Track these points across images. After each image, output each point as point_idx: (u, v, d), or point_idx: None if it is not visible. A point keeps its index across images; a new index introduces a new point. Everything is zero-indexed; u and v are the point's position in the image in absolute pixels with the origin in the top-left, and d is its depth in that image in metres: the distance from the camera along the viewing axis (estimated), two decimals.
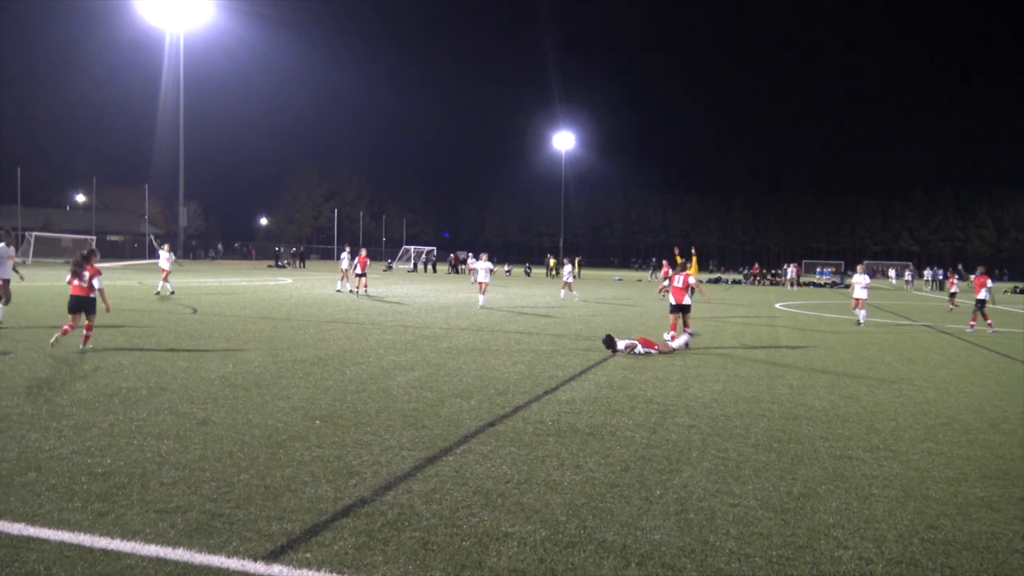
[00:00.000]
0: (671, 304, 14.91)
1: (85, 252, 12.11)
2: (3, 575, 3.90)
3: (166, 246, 26.52)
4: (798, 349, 14.82)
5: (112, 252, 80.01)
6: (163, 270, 25.32)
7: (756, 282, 60.54)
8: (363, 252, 28.77)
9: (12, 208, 73.07)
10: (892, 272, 69.38)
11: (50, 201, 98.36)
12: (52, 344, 11.51)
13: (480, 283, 24.45)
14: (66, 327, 11.52)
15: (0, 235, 15.60)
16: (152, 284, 30.11)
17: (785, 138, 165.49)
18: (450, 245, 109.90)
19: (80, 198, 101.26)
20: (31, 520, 4.61)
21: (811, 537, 4.77)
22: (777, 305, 29.98)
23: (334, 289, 31.31)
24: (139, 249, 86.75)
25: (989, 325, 19.97)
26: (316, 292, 29.49)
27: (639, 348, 13.10)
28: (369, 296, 27.28)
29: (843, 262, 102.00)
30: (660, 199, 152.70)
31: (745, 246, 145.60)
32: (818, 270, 53.30)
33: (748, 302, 31.78)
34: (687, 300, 14.73)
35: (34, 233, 62.19)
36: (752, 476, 6.01)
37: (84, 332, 11.84)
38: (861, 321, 20.48)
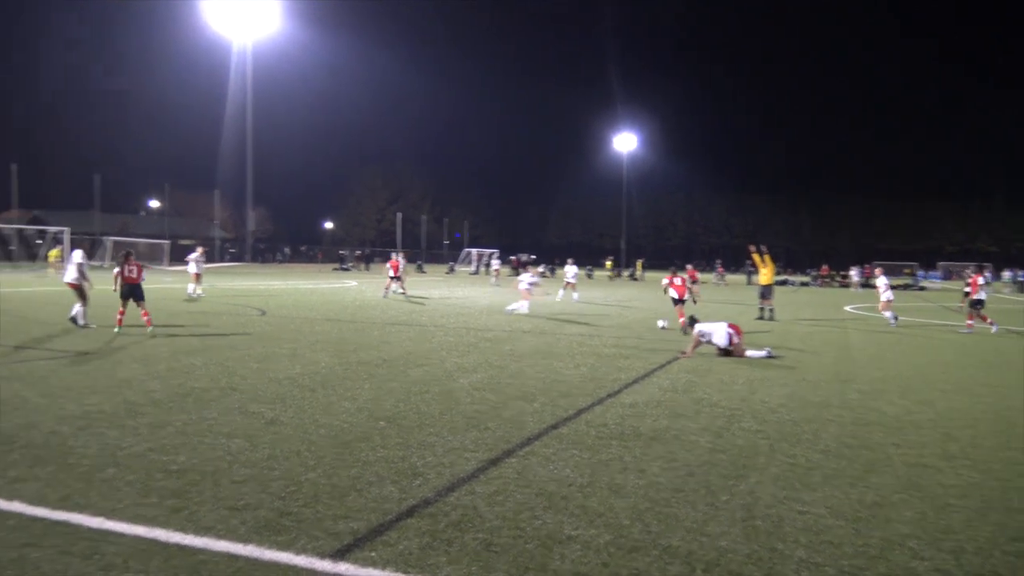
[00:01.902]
0: (673, 299, 18.11)
1: (125, 253, 15.60)
2: (84, 567, 4.05)
3: (199, 249, 26.16)
4: (868, 353, 14.42)
5: (184, 256, 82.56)
6: (194, 274, 24.74)
7: (824, 284, 59.14)
8: (394, 256, 29.64)
9: (91, 214, 75.94)
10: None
11: (126, 207, 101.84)
12: (117, 333, 13.83)
13: (568, 283, 28.99)
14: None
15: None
16: (222, 287, 30.95)
17: (855, 137, 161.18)
18: (511, 247, 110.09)
19: (154, 203, 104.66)
20: (110, 514, 4.78)
21: (885, 547, 4.63)
22: (846, 308, 29.24)
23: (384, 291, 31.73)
24: (209, 253, 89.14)
25: (990, 324, 19.42)
26: (380, 295, 29.88)
27: (716, 339, 13.05)
28: (407, 297, 27.32)
29: (916, 263, 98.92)
30: (723, 200, 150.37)
31: (812, 247, 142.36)
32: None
33: (816, 304, 31.07)
34: (687, 296, 18.26)
35: (111, 238, 64.39)
36: (822, 483, 5.87)
37: (143, 319, 14.59)
38: (892, 322, 20.47)
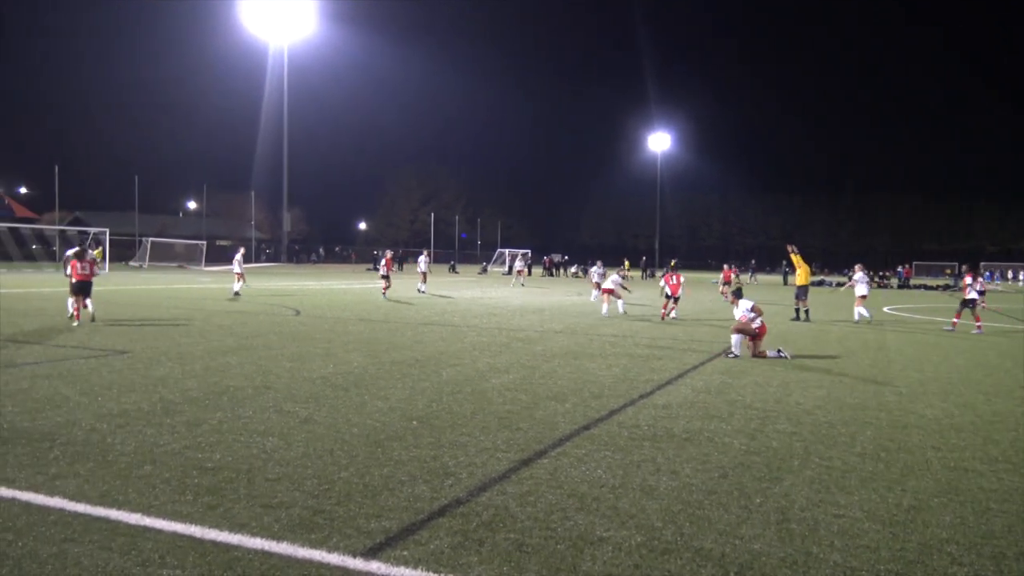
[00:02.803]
0: (666, 294, 20.91)
1: (80, 248, 16.98)
2: (122, 562, 4.12)
3: (241, 250, 28.58)
4: (907, 354, 14.18)
5: (220, 256, 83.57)
6: (237, 273, 26.66)
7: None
8: (388, 254, 30.09)
9: (131, 215, 77.26)
10: (1011, 273, 65.49)
11: (165, 208, 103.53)
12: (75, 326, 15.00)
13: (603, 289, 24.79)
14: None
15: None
16: (257, 288, 31.38)
17: (892, 136, 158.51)
18: (544, 248, 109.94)
19: (192, 205, 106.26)
20: (147, 511, 4.86)
21: (922, 552, 4.55)
22: (885, 308, 28.77)
23: (416, 291, 31.92)
24: (246, 253, 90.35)
25: (977, 325, 19.46)
26: (412, 295, 30.03)
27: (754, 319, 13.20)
28: (386, 298, 26.85)
29: (956, 263, 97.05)
30: (759, 200, 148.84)
31: (850, 247, 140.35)
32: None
33: (854, 306, 30.57)
34: (680, 293, 20.83)
35: (150, 239, 65.51)
36: (858, 486, 5.79)
37: (78, 311, 15.69)
38: (864, 316, 21.48)
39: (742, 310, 13.38)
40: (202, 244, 67.29)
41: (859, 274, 23.07)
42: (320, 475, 5.70)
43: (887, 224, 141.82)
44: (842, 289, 28.31)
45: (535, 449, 6.61)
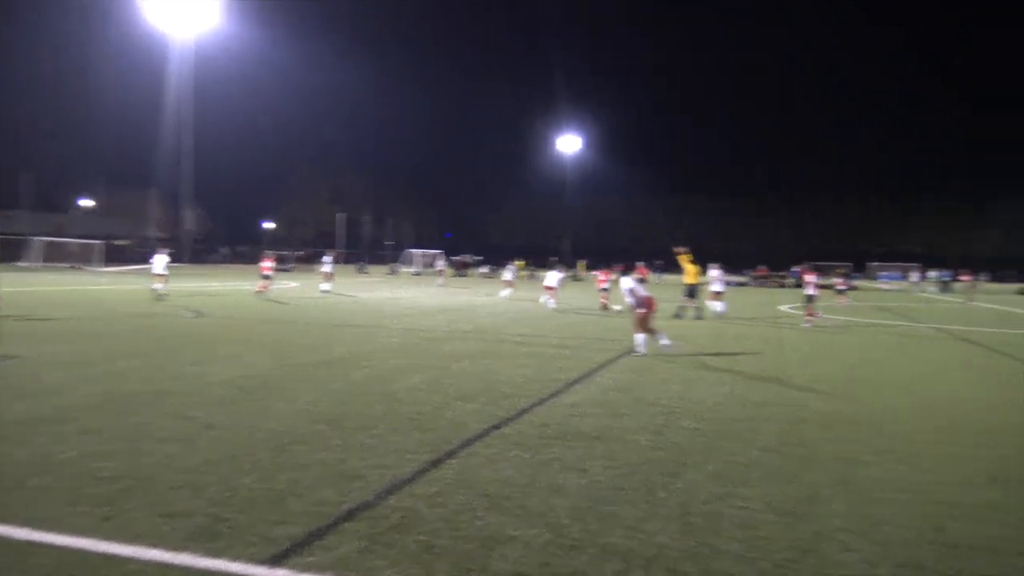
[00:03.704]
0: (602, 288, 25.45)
1: None
2: None
3: (165, 250, 27.73)
4: (803, 352, 14.77)
5: (118, 257, 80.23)
6: (158, 275, 25.88)
7: (761, 284, 60.48)
8: (270, 254, 30.39)
9: (21, 214, 73.34)
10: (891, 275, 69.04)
11: (57, 205, 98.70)
12: None
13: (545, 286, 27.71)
14: None
15: None
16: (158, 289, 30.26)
17: (790, 130, 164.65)
18: (454, 247, 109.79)
19: (86, 202, 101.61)
20: (37, 524, 4.61)
21: (817, 540, 4.74)
22: (780, 307, 29.91)
23: (319, 291, 31.73)
24: (144, 254, 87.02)
25: (816, 317, 21.17)
26: (321, 296, 29.53)
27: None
28: (265, 298, 26.62)
29: (851, 264, 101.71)
30: (662, 201, 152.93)
31: (751, 247, 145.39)
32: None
33: (753, 304, 31.71)
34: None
35: (43, 238, 62.30)
36: (759, 480, 5.99)
37: None
38: (719, 310, 23.17)
39: (624, 290, 13.87)
40: (99, 244, 64.37)
41: (715, 272, 24.44)
42: (222, 481, 5.53)
43: (786, 224, 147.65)
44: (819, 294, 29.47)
45: (445, 450, 6.58)
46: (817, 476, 6.15)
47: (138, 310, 20.19)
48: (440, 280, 45.54)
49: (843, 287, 33.84)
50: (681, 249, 23.27)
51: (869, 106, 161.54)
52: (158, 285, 25.66)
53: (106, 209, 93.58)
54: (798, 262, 73.99)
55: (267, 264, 28.62)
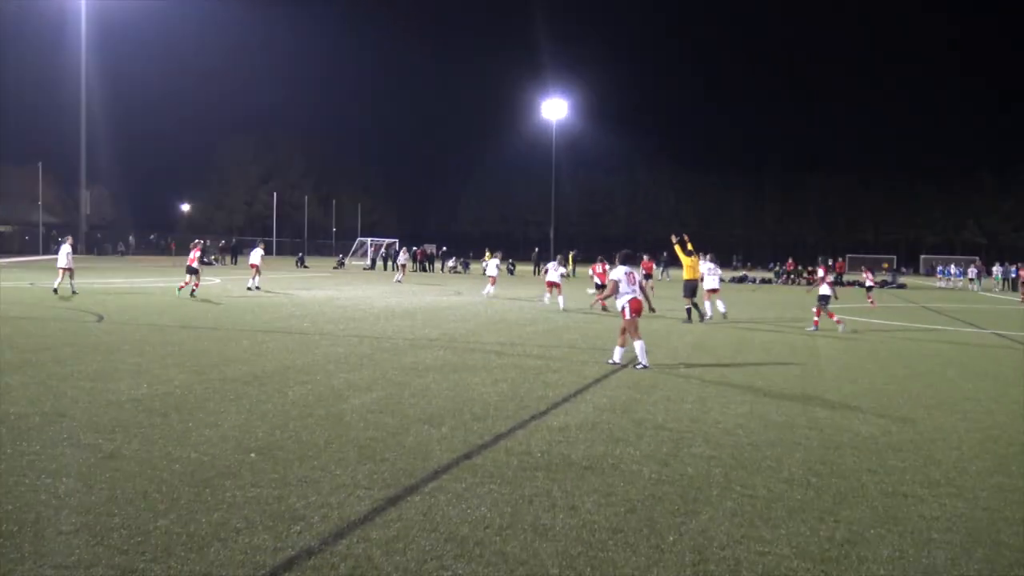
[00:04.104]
0: (597, 284, 29.59)
1: None
2: None
3: (69, 239, 27.88)
4: (839, 363, 14.91)
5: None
6: (62, 268, 26.30)
7: (790, 281, 60.92)
8: (198, 243, 30.61)
9: None
10: (953, 269, 69.91)
11: None
12: None
13: (491, 277, 32.78)
14: None
15: None
16: (46, 287, 29.96)
17: (821, 110, 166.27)
18: (416, 237, 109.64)
19: None
20: None
21: None
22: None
23: (244, 288, 31.85)
24: (31, 243, 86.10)
25: (837, 322, 21.56)
26: (249, 295, 29.38)
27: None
28: (193, 296, 26.88)
29: (895, 257, 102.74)
30: (672, 181, 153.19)
31: (775, 237, 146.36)
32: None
33: (779, 305, 31.95)
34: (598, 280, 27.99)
35: None
36: (785, 518, 6.04)
37: None
38: (708, 314, 23.43)
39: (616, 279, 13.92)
40: None
41: (708, 264, 24.78)
42: (131, 524, 5.49)
43: (816, 210, 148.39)
44: (807, 290, 30.00)
45: (404, 484, 6.58)
46: (857, 513, 6.21)
47: (20, 312, 19.98)
48: (399, 275, 45.54)
49: (871, 284, 34.07)
50: (674, 238, 23.42)
51: (918, 71, 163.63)
52: (59, 280, 26.14)
53: None
54: (833, 255, 74.70)
55: (194, 255, 28.44)
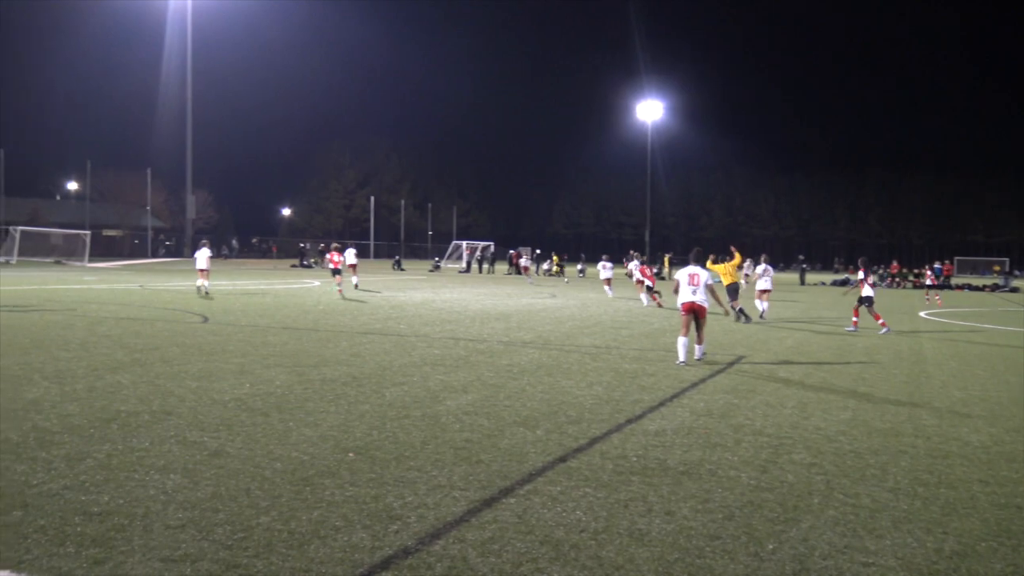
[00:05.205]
0: (638, 281, 29.49)
1: None
2: None
3: (206, 244, 30.23)
4: (948, 368, 14.44)
5: (109, 249, 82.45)
6: (201, 270, 28.48)
7: (895, 284, 59.19)
8: (337, 247, 32.41)
9: None
10: None
11: (37, 189, 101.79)
12: None
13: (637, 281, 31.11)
14: None
15: None
16: (155, 288, 31.09)
17: (927, 108, 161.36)
18: (510, 239, 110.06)
19: (72, 186, 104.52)
20: (17, 567, 4.77)
21: None
22: (921, 314, 29.28)
23: (354, 289, 32.76)
24: (140, 246, 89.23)
25: (881, 324, 21.32)
26: (348, 296, 29.88)
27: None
28: (342, 296, 27.62)
29: (1007, 260, 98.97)
30: (770, 182, 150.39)
31: (879, 239, 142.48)
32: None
33: (883, 310, 31.08)
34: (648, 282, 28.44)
35: (19, 228, 64.28)
36: (891, 528, 5.88)
37: None
38: (762, 314, 23.85)
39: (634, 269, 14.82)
40: (85, 234, 66.23)
41: (763, 266, 25.32)
42: (234, 520, 5.64)
43: (923, 211, 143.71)
44: (844, 292, 30.00)
45: (500, 486, 6.61)
46: (966, 525, 6.01)
47: (130, 314, 20.71)
48: (529, 278, 47.71)
49: (932, 283, 33.76)
50: (728, 253, 24.96)
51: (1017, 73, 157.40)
52: (202, 281, 28.06)
53: (94, 194, 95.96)
54: (940, 257, 72.36)
55: (336, 257, 29.82)
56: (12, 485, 6.29)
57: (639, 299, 29.30)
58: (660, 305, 27.53)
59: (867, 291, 21.62)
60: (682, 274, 14.29)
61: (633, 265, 30.16)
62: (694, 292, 13.94)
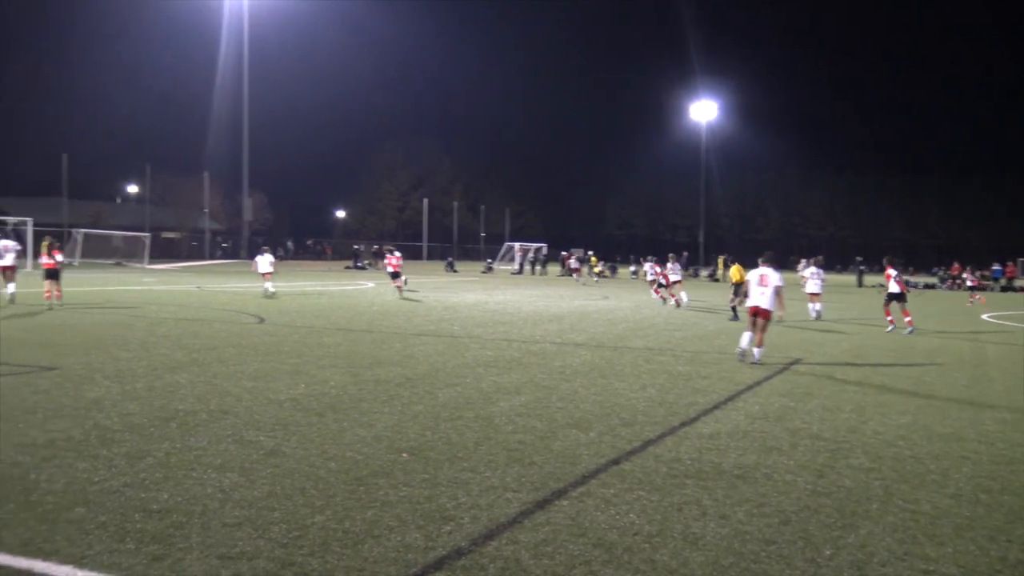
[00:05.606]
0: (661, 283, 30.12)
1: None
2: None
3: (267, 249, 31.52)
4: (1012, 372, 14.13)
5: (168, 251, 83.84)
6: (264, 274, 29.60)
7: (956, 287, 58.04)
8: (394, 251, 32.05)
9: (57, 201, 77.46)
10: None
11: (99, 193, 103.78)
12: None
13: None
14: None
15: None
16: (212, 290, 31.58)
17: (986, 109, 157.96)
18: (561, 241, 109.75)
19: (132, 189, 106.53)
20: (79, 562, 4.87)
21: None
22: (983, 316, 28.67)
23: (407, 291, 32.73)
24: (198, 248, 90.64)
25: (908, 322, 20.98)
26: (402, 298, 30.07)
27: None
28: (400, 296, 27.63)
29: None
30: (826, 182, 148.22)
31: (938, 240, 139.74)
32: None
33: (945, 312, 30.51)
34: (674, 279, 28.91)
35: (82, 230, 65.56)
36: (952, 536, 5.77)
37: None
38: (814, 316, 24.31)
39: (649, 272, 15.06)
40: (145, 236, 67.44)
41: (812, 268, 25.73)
42: (290, 519, 5.71)
43: (984, 212, 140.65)
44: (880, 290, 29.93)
45: (552, 488, 6.60)
46: None
47: (188, 315, 21.06)
48: (580, 279, 47.95)
49: (972, 284, 33.90)
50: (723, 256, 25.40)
51: None
52: (268, 284, 29.24)
53: (153, 197, 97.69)
54: (1003, 257, 70.76)
55: (394, 260, 30.69)
56: (74, 482, 6.42)
57: (673, 299, 29.19)
58: (678, 304, 28.26)
59: (892, 287, 21.56)
60: (753, 275, 14.55)
61: (648, 267, 31.03)
62: (762, 294, 14.06)
